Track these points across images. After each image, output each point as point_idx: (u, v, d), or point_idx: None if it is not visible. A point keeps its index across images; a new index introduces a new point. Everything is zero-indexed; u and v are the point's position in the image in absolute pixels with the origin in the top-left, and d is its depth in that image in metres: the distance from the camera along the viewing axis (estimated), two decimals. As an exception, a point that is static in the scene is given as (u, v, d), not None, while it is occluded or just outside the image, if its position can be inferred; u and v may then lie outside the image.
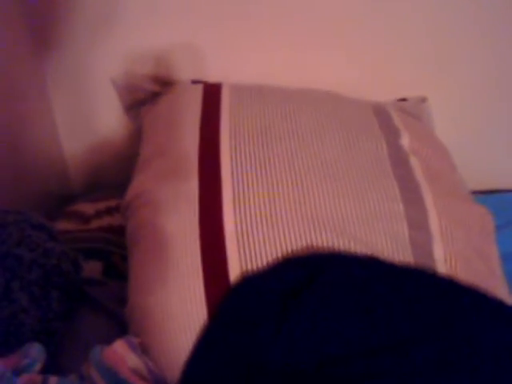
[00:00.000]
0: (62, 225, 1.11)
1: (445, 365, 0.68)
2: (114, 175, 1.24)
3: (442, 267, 0.80)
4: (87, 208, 1.15)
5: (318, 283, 0.72)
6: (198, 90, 1.04)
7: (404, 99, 1.18)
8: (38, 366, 0.71)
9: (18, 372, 0.69)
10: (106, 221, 1.11)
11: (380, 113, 1.02)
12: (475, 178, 1.13)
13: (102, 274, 0.99)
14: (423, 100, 1.18)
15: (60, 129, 1.27)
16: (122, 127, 1.27)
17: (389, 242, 0.80)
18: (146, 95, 1.14)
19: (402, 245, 0.81)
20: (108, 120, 1.26)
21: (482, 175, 1.25)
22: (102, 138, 1.29)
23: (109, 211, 1.13)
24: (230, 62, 1.16)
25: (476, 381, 0.67)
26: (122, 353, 0.70)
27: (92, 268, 0.99)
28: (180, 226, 0.81)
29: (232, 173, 0.86)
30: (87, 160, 1.32)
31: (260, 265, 0.76)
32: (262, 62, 1.15)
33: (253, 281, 0.74)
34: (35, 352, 0.72)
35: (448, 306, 0.73)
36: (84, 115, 1.26)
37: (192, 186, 0.85)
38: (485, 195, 1.23)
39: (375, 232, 0.81)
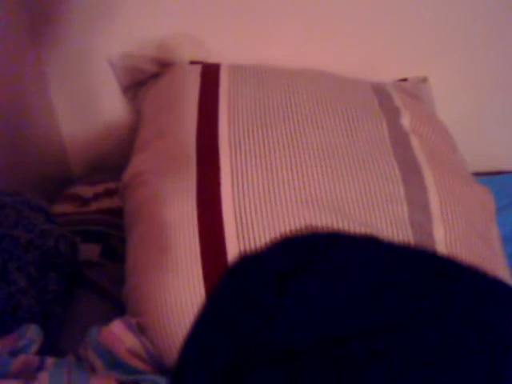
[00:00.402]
0: (61, 207, 1.11)
1: (446, 344, 0.68)
2: (114, 159, 1.24)
3: (442, 247, 0.80)
4: (86, 191, 1.15)
5: (317, 263, 0.71)
6: (197, 71, 1.03)
7: (404, 79, 1.17)
8: (34, 347, 0.71)
9: (14, 353, 0.69)
10: (104, 203, 1.11)
11: (380, 92, 1.01)
12: (476, 160, 1.13)
13: (101, 257, 0.99)
14: (424, 80, 1.17)
15: (59, 112, 1.27)
16: (121, 110, 1.26)
17: (388, 223, 0.79)
18: (145, 76, 1.13)
19: (402, 225, 0.80)
20: (107, 103, 1.26)
21: (483, 156, 1.25)
22: (101, 122, 1.29)
23: (108, 194, 1.13)
24: (230, 47, 1.15)
25: (476, 359, 0.66)
26: (119, 333, 0.70)
27: (90, 250, 0.99)
28: (178, 208, 0.80)
29: (230, 155, 0.85)
30: (86, 143, 1.32)
31: (258, 246, 0.76)
32: (261, 46, 1.15)
33: (250, 260, 0.74)
34: (32, 333, 0.72)
35: (448, 285, 0.73)
36: (83, 99, 1.25)
37: (190, 170, 0.84)
38: (486, 177, 1.22)
39: (375, 213, 0.80)
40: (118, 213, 1.00)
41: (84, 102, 1.25)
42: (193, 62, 1.11)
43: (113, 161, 1.25)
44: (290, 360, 0.67)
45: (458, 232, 0.81)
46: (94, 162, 1.33)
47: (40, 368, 0.68)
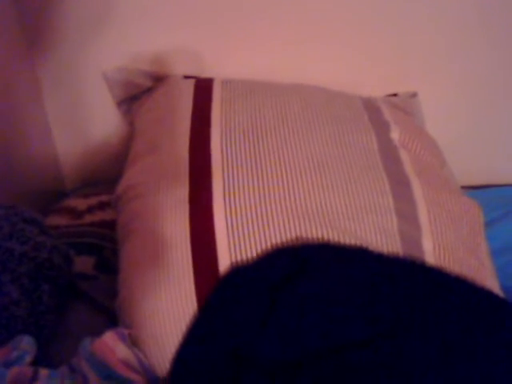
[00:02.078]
0: (55, 220, 1.11)
1: (437, 353, 0.69)
2: (107, 172, 1.24)
3: (430, 258, 0.81)
4: (79, 203, 1.16)
5: (307, 274, 0.72)
6: (190, 85, 1.04)
7: (394, 94, 1.19)
8: (28, 359, 0.71)
9: (8, 364, 0.70)
10: (98, 216, 1.11)
11: (370, 107, 1.03)
12: (465, 173, 1.14)
13: (94, 269, 0.99)
14: (413, 95, 1.19)
15: (53, 126, 1.27)
16: (115, 125, 1.27)
17: (378, 235, 0.80)
18: (139, 90, 1.14)
19: (391, 237, 0.81)
20: (101, 117, 1.26)
21: (471, 170, 1.26)
22: (95, 135, 1.30)
23: (101, 206, 1.13)
24: (224, 60, 1.16)
25: (465, 369, 0.67)
26: (111, 344, 0.71)
27: (84, 263, 0.99)
28: (170, 221, 0.81)
29: (222, 168, 0.86)
30: (80, 156, 1.32)
31: (250, 258, 0.77)
32: (255, 60, 1.16)
33: (242, 271, 0.75)
34: (26, 344, 0.73)
35: (436, 295, 0.74)
36: (77, 112, 1.26)
37: (182, 183, 0.85)
38: (476, 190, 1.24)
39: (364, 224, 0.81)
40: (112, 225, 1.00)
41: (78, 115, 1.26)
42: (186, 77, 1.13)
43: (106, 174, 1.26)
44: (283, 371, 0.67)
45: (446, 243, 0.83)
46: (87, 174, 1.34)
47: (34, 379, 0.69)
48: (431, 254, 0.81)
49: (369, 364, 0.67)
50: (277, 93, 1.01)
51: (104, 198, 1.14)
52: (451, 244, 0.83)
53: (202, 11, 1.11)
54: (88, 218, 1.11)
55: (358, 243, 0.79)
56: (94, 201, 1.15)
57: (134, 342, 0.74)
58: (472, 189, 1.22)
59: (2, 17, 1.06)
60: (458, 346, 0.70)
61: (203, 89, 1.02)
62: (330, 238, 0.78)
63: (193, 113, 0.96)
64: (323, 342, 0.69)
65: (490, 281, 0.84)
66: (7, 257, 0.80)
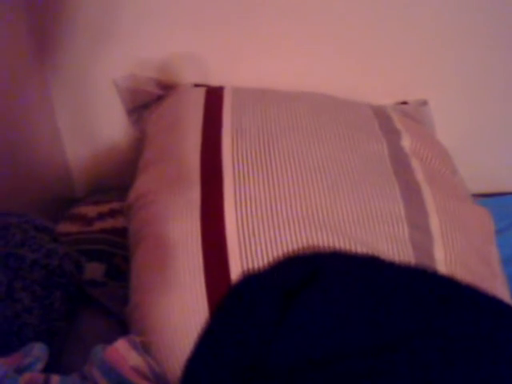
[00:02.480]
0: (65, 227, 1.12)
1: (445, 363, 0.69)
2: (117, 179, 1.25)
3: (442, 267, 0.80)
4: (90, 210, 1.16)
5: (318, 282, 0.72)
6: (201, 93, 1.05)
7: (405, 102, 1.19)
8: (40, 365, 0.71)
9: (20, 370, 0.70)
10: (108, 223, 1.12)
11: (380, 114, 1.03)
12: (476, 181, 1.14)
13: (105, 276, 1.00)
14: (424, 103, 1.19)
15: (63, 133, 1.28)
16: (125, 131, 1.28)
17: (389, 243, 0.80)
18: (149, 98, 1.15)
19: (403, 245, 0.81)
20: (111, 124, 1.27)
21: (483, 178, 1.27)
22: (105, 143, 1.31)
23: (111, 214, 1.14)
24: (233, 68, 1.17)
25: (475, 376, 0.67)
26: (123, 351, 0.71)
27: (94, 269, 1.00)
28: (182, 227, 0.82)
29: (234, 176, 0.86)
30: (90, 164, 1.33)
31: (261, 265, 0.77)
32: (263, 68, 1.16)
33: (253, 279, 0.75)
34: (38, 351, 0.73)
35: (448, 304, 0.74)
36: (87, 120, 1.27)
37: (194, 189, 0.85)
38: (486, 198, 1.23)
39: (375, 233, 0.81)
40: (122, 232, 1.01)
41: (88, 124, 1.27)
42: (197, 85, 1.13)
43: (116, 180, 1.27)
44: (292, 379, 0.67)
45: (457, 252, 0.83)
46: (97, 180, 1.35)
47: (45, 387, 0.69)
48: (443, 263, 0.81)
49: (380, 372, 0.67)
50: (286, 100, 1.01)
51: (115, 205, 1.15)
52: (463, 253, 0.83)
53: (211, 20, 1.11)
54: (98, 225, 1.11)
55: (370, 251, 0.79)
56: (104, 208, 1.16)
57: (145, 349, 0.73)
58: (482, 196, 1.21)
59: (13, 23, 1.07)
60: (469, 355, 0.70)
61: (214, 96, 1.03)
62: (341, 245, 0.78)
63: (204, 120, 0.97)
64: (334, 349, 0.69)
65: (500, 289, 0.84)
66: (19, 264, 0.81)
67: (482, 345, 0.71)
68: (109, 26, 1.12)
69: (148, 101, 1.16)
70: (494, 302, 0.76)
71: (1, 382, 0.67)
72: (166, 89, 1.15)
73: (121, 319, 0.86)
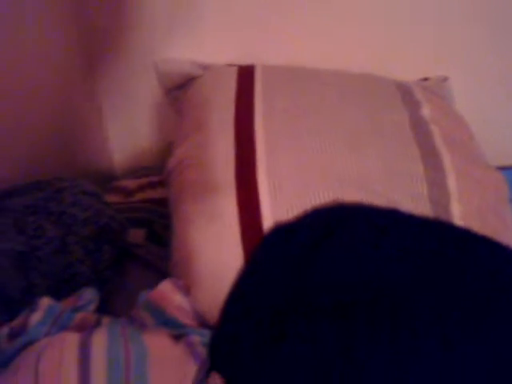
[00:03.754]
0: (107, 198, 1.19)
1: (463, 312, 0.72)
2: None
3: (459, 222, 0.86)
4: (130, 183, 1.23)
5: (339, 231, 0.78)
6: (233, 71, 1.12)
7: (426, 79, 1.25)
8: (92, 307, 0.78)
9: (75, 310, 0.77)
10: (148, 194, 1.18)
11: (402, 89, 1.09)
12: (495, 156, 1.17)
13: (146, 240, 1.07)
14: (444, 79, 1.24)
15: (110, 138, 1.39)
16: (164, 114, 1.36)
17: (409, 198, 0.87)
18: (186, 79, 1.22)
19: (422, 201, 0.87)
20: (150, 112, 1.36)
21: (502, 153, 1.29)
22: (145, 128, 1.40)
23: (151, 185, 1.20)
24: (264, 49, 1.23)
25: (490, 327, 0.71)
26: (167, 292, 0.76)
27: (136, 234, 1.07)
28: (219, 184, 0.89)
29: (265, 144, 0.93)
30: (131, 150, 1.43)
31: (290, 216, 0.83)
32: (292, 47, 1.23)
33: (282, 229, 0.81)
34: (90, 295, 0.79)
35: (464, 253, 0.78)
36: (128, 108, 1.36)
37: (229, 146, 0.93)
38: (505, 171, 1.26)
39: (396, 188, 0.87)
40: (161, 202, 1.08)
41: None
42: (229, 65, 1.21)
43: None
44: (338, 311, 0.71)
45: (473, 208, 0.88)
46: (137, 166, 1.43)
47: (97, 324, 0.76)
48: (459, 217, 0.87)
49: (402, 315, 0.71)
50: (314, 76, 1.08)
51: (153, 178, 1.22)
52: (478, 209, 0.89)
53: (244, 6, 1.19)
54: (138, 196, 1.18)
55: (390, 205, 0.85)
56: (144, 181, 1.23)
57: (186, 291, 0.80)
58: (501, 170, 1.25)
59: (65, 38, 1.17)
60: (487, 302, 0.73)
61: (246, 73, 1.10)
62: (364, 199, 0.85)
63: (236, 93, 1.04)
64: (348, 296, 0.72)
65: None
66: (72, 221, 0.89)
67: (498, 295, 0.74)
68: (163, 38, 1.24)
69: (184, 82, 1.23)
70: (510, 252, 0.80)
71: (59, 317, 0.74)
72: (202, 69, 1.21)
73: (163, 273, 0.93)
